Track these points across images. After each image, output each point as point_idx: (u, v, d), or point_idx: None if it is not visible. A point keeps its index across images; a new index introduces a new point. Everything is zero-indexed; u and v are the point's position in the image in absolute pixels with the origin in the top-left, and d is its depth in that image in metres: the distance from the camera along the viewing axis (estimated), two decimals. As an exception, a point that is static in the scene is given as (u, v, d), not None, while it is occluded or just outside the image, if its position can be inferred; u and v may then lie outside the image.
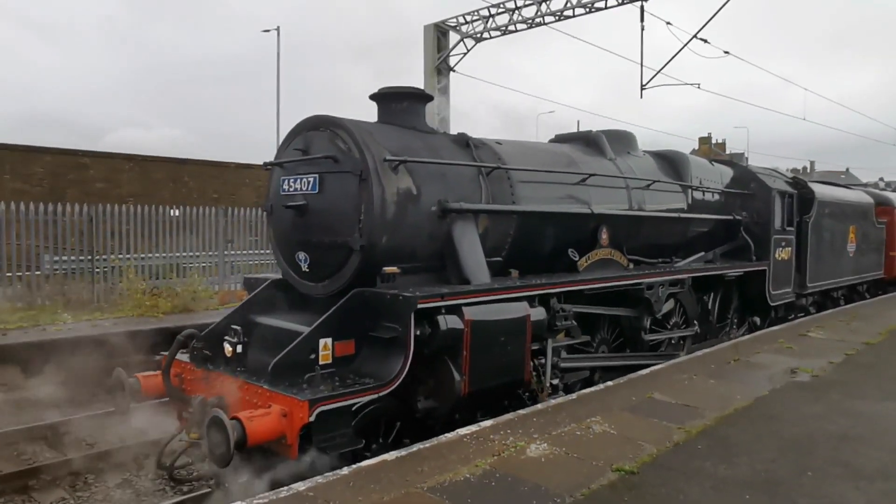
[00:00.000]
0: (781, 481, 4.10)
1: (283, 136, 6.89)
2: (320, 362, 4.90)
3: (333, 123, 5.70)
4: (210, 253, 14.34)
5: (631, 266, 7.96)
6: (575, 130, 9.27)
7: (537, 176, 7.01)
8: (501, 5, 17.50)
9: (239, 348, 5.34)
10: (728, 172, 10.89)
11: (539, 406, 5.68)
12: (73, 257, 12.41)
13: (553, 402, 5.83)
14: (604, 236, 7.54)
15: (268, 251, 12.20)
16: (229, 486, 5.00)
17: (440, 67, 18.30)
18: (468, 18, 18.29)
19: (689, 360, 7.63)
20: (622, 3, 15.81)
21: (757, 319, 10.91)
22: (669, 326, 8.55)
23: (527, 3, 17.16)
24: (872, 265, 14.99)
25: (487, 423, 5.13)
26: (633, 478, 4.09)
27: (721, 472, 4.22)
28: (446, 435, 4.83)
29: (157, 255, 13.49)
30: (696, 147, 47.68)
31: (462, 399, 5.30)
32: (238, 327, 5.43)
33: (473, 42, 18.51)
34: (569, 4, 16.68)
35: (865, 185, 26.39)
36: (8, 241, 11.55)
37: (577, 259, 7.13)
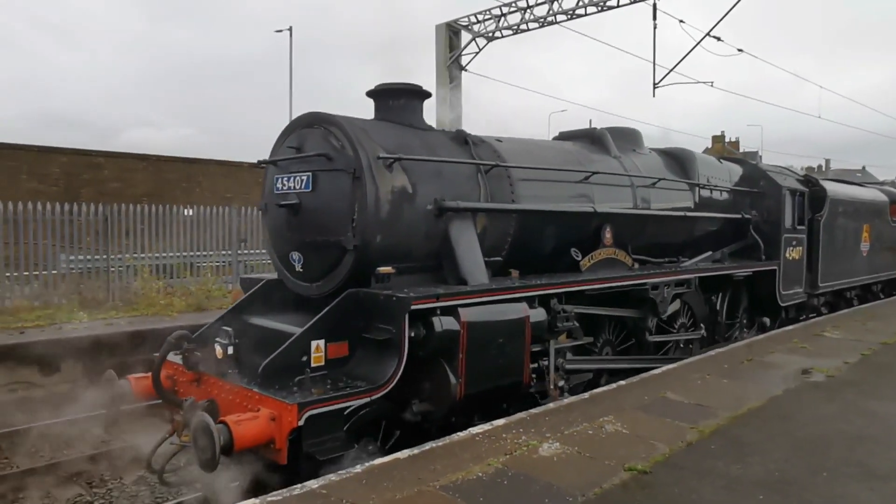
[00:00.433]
0: (795, 481, 4.08)
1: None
2: (313, 364, 4.81)
3: (327, 121, 5.60)
4: (224, 252, 14.47)
5: (636, 266, 7.83)
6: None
7: (538, 174, 6.90)
8: (513, 4, 17.50)
9: (230, 350, 5.17)
10: (737, 170, 10.75)
11: (551, 405, 5.65)
12: (88, 256, 12.56)
13: (565, 401, 5.80)
14: (607, 235, 7.43)
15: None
16: (217, 490, 4.88)
17: (452, 67, 18.32)
18: (480, 17, 18.30)
19: (702, 360, 7.58)
20: (634, 2, 15.75)
21: (767, 320, 10.75)
22: (676, 328, 8.46)
23: (539, 1, 17.14)
24: (887, 265, 14.76)
25: (500, 422, 5.11)
26: (646, 477, 4.08)
27: (734, 471, 4.21)
28: (459, 434, 4.82)
29: (171, 254, 13.63)
30: (710, 146, 47.18)
31: (458, 402, 5.18)
32: (229, 329, 5.26)
33: (485, 41, 18.51)
34: (581, 3, 16.65)
35: (881, 183, 26.05)
36: (25, 241, 11.72)
37: (579, 259, 7.01)
